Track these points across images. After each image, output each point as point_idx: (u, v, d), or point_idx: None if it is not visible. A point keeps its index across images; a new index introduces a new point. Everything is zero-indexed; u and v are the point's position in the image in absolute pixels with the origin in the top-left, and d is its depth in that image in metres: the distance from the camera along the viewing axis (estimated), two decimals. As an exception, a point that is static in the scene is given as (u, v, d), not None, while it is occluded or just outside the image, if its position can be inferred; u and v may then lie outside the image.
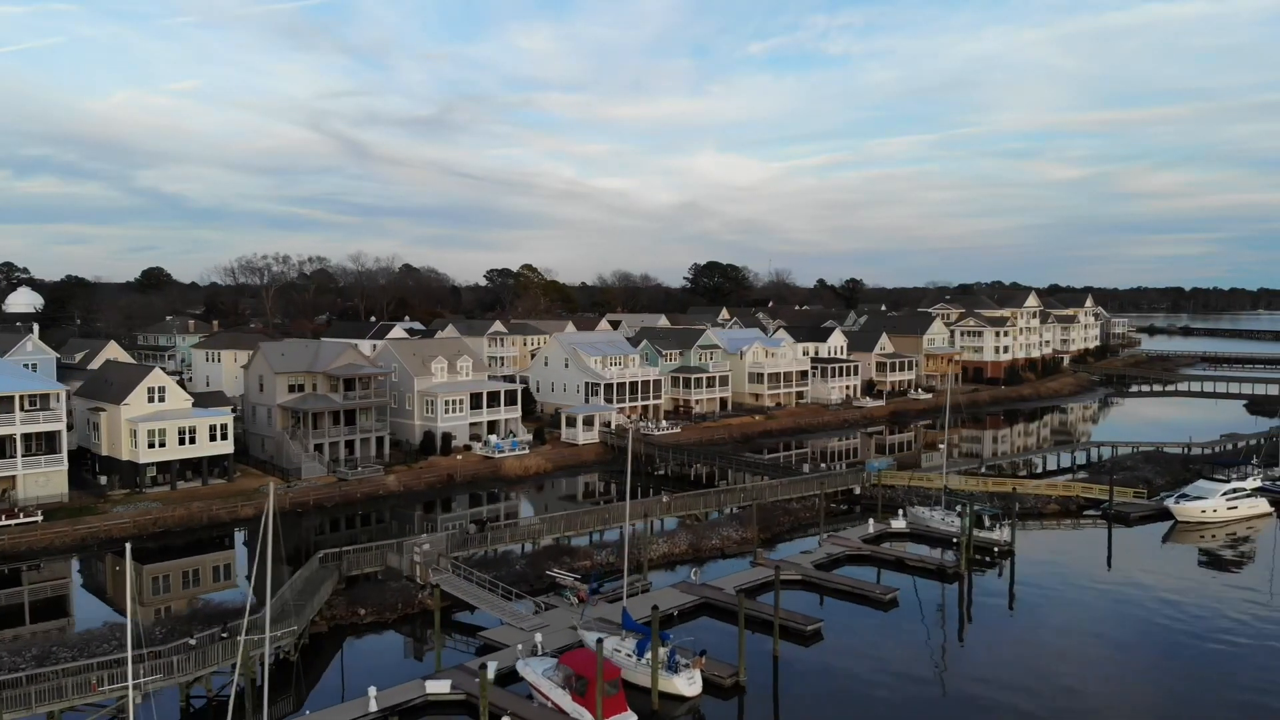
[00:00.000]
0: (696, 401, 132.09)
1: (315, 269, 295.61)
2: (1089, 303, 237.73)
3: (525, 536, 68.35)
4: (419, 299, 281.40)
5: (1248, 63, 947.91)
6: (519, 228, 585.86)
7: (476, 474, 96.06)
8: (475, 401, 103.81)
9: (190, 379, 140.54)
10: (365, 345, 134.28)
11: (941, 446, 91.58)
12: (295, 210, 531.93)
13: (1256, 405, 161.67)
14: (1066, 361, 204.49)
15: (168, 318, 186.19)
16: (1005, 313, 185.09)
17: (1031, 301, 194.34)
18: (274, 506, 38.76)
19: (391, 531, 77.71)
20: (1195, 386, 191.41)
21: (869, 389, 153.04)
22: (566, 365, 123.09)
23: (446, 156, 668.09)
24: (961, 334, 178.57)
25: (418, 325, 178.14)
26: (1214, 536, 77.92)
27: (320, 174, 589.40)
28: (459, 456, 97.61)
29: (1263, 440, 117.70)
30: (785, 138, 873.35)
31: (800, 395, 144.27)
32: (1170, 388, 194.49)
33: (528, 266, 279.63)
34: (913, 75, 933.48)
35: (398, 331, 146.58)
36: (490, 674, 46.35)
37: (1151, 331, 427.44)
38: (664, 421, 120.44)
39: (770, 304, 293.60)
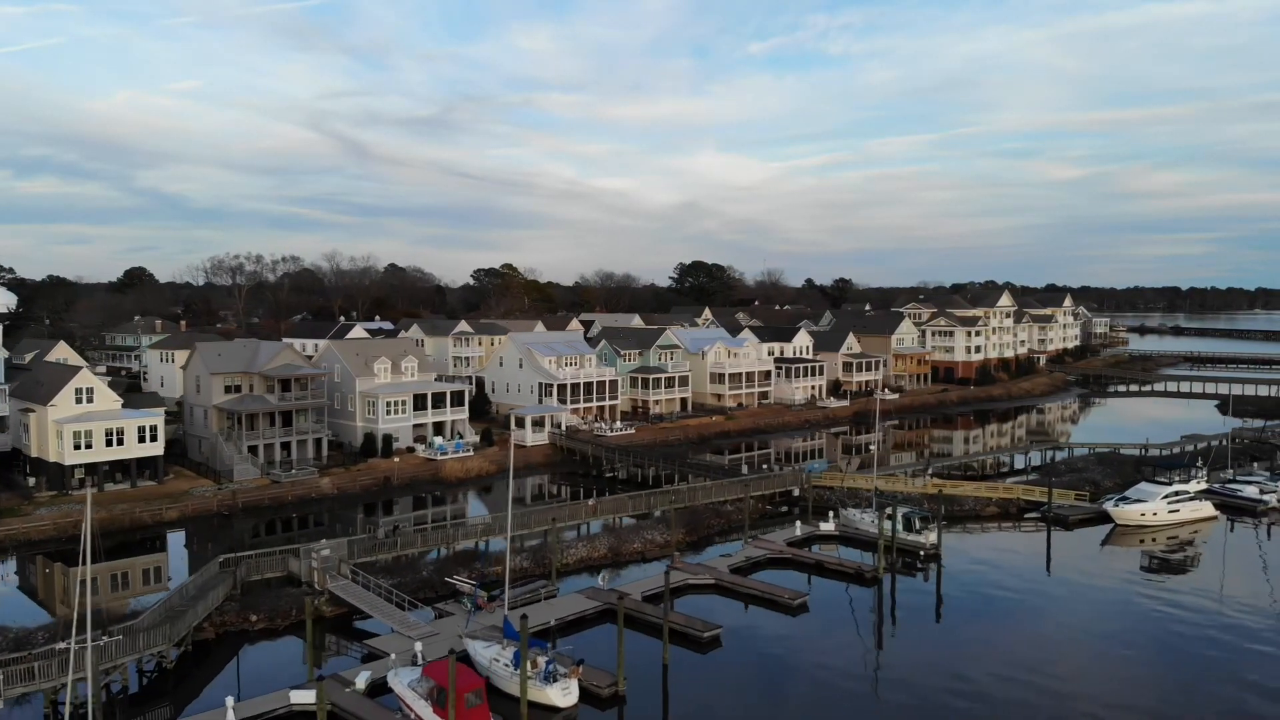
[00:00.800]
0: (655, 402, 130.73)
1: (298, 269, 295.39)
2: (1067, 302, 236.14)
3: (439, 541, 66.98)
4: (402, 299, 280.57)
5: (1247, 63, 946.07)
6: (519, 228, 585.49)
7: (416, 476, 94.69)
8: (419, 403, 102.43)
9: (148, 379, 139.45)
10: (326, 345, 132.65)
11: (873, 449, 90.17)
12: (296, 210, 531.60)
13: (1228, 405, 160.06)
14: (1043, 361, 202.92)
15: (136, 318, 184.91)
16: (977, 312, 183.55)
17: (1005, 301, 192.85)
18: (91, 518, 37.40)
19: (335, 534, 76.23)
20: (1173, 386, 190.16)
21: (835, 389, 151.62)
22: (521, 366, 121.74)
23: (447, 156, 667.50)
24: (933, 334, 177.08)
25: (387, 325, 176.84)
26: (1154, 540, 76.50)
27: (321, 174, 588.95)
28: (396, 459, 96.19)
29: (1223, 441, 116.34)
30: (785, 138, 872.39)
31: (763, 396, 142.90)
32: (1147, 388, 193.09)
33: (508, 265, 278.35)
34: (913, 75, 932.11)
35: (358, 331, 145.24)
36: (362, 684, 45.38)
37: (1142, 331, 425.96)
38: (618, 422, 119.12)
39: (756, 303, 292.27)
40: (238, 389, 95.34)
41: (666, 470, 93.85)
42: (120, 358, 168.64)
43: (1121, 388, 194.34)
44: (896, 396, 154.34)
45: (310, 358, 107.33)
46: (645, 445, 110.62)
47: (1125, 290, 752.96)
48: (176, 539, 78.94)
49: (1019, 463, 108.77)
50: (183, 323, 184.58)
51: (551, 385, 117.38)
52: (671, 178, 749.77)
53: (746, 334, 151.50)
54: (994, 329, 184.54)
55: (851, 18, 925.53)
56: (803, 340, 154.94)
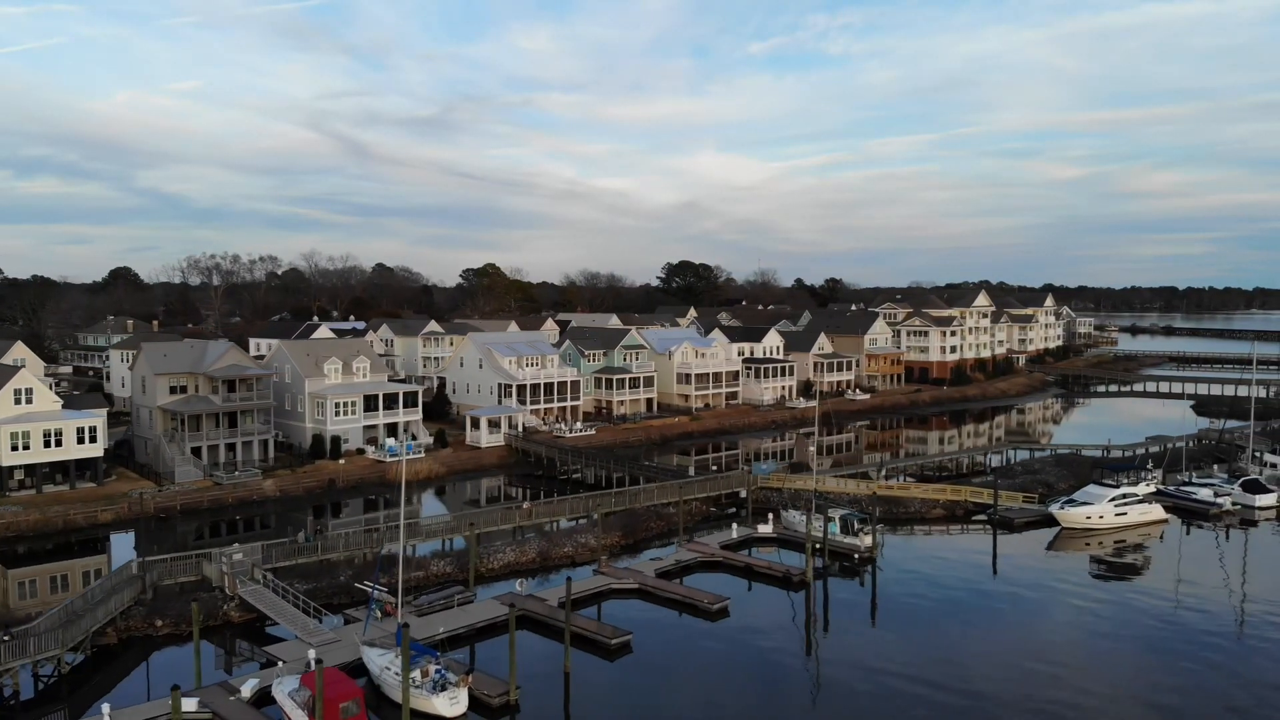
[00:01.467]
0: (620, 403, 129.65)
1: (285, 268, 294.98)
2: (1049, 301, 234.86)
3: (362, 545, 65.85)
4: (388, 298, 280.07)
5: (1247, 63, 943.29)
6: (520, 228, 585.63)
7: (362, 479, 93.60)
8: (370, 404, 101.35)
9: (110, 379, 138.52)
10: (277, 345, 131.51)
11: (811, 449, 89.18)
12: (296, 210, 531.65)
13: (1202, 406, 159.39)
14: (1022, 361, 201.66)
15: (109, 318, 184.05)
16: (953, 312, 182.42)
17: (982, 300, 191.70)
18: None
19: (284, 536, 75.08)
20: (1152, 387, 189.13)
21: (806, 389, 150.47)
22: (481, 366, 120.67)
23: (447, 156, 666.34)
24: (908, 334, 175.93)
25: (359, 324, 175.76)
26: (1101, 544, 75.40)
27: (321, 174, 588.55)
28: (342, 461, 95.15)
29: (1190, 442, 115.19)
30: (785, 138, 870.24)
31: (731, 396, 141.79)
32: (1126, 388, 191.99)
33: (490, 265, 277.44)
34: (912, 75, 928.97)
35: (324, 331, 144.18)
36: (248, 692, 44.43)
37: (1134, 331, 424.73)
38: (579, 423, 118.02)
39: (743, 304, 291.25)
40: (183, 389, 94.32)
41: (618, 472, 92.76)
42: (90, 358, 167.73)
43: (1102, 388, 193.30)
44: (867, 397, 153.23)
45: (258, 359, 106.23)
46: (604, 446, 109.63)
47: (1122, 290, 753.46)
48: (125, 541, 77.76)
49: (979, 464, 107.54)
50: (155, 322, 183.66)
51: (510, 386, 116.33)
52: (671, 178, 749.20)
53: (716, 334, 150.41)
54: (970, 329, 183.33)
55: (851, 18, 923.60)
56: (773, 340, 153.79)
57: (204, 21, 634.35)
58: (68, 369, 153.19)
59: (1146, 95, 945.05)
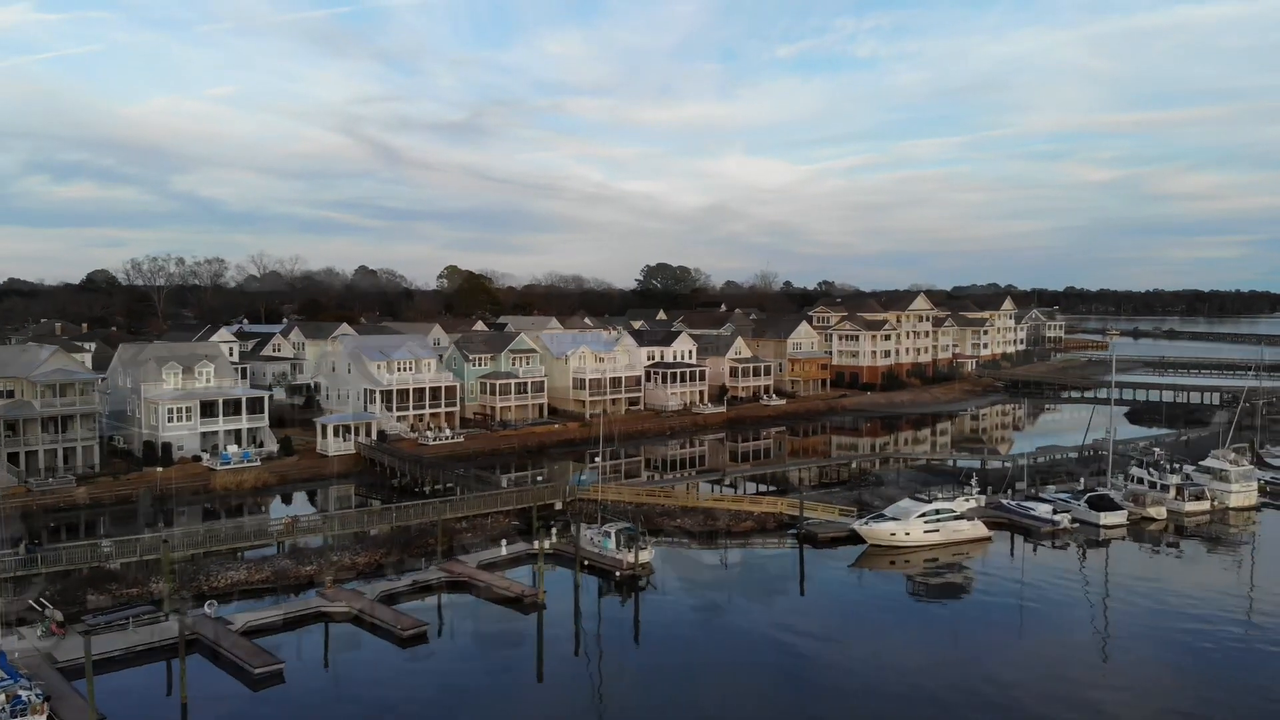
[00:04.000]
0: (505, 409, 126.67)
1: (265, 272, 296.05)
2: (1007, 304, 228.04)
3: (88, 559, 63.34)
4: (360, 302, 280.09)
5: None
6: (548, 231, 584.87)
7: (184, 487, 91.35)
8: (209, 409, 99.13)
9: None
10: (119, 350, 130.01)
11: (598, 461, 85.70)
12: (329, 214, 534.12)
13: (1136, 414, 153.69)
14: (971, 366, 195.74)
15: (41, 320, 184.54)
16: (887, 316, 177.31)
17: (920, 304, 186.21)
18: None
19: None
20: (1103, 394, 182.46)
21: (721, 395, 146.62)
22: (349, 370, 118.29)
23: (477, 161, 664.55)
24: (839, 338, 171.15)
25: (275, 327, 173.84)
26: (907, 562, 71.71)
27: (353, 178, 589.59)
28: (160, 470, 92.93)
29: (1090, 451, 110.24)
30: (814, 140, 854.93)
31: (633, 402, 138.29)
32: (1075, 394, 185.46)
33: (451, 267, 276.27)
34: (941, 77, 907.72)
35: (223, 334, 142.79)
36: None
37: (1136, 335, 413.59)
38: (447, 430, 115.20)
39: (722, 307, 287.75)
40: (11, 394, 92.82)
41: (448, 483, 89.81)
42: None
43: (1067, 394, 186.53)
44: (782, 402, 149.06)
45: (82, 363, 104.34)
46: (468, 455, 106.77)
47: (1144, 293, 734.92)
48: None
49: (853, 473, 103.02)
50: (85, 325, 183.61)
51: (375, 391, 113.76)
52: (699, 180, 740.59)
53: (624, 338, 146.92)
54: (907, 333, 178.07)
55: (879, 20, 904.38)
56: (684, 345, 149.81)
57: (238, 28, 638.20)
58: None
59: (1179, 96, 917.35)
